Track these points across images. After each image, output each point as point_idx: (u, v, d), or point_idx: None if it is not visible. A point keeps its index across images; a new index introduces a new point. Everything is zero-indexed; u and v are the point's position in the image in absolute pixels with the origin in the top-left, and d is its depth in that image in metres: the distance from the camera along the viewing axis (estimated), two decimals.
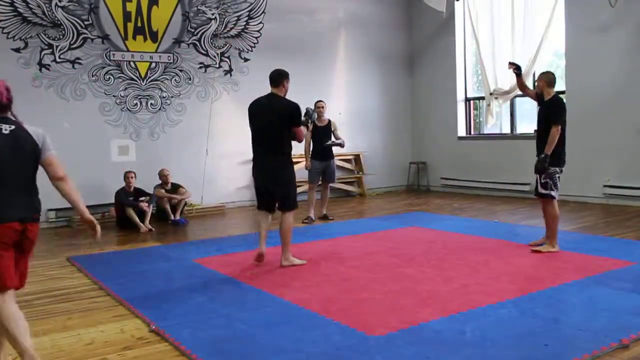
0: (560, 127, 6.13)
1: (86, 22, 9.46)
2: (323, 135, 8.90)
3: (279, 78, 6.00)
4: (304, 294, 5.03)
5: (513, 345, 3.73)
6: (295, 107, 5.97)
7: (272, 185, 6.07)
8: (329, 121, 9.05)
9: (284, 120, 5.90)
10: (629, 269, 5.50)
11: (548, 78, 6.35)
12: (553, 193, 6.25)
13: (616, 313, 4.25)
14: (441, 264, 5.94)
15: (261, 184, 6.17)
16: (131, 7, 9.81)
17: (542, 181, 6.26)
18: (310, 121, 6.87)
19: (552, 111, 6.23)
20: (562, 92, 10.40)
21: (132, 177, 8.92)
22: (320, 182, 9.13)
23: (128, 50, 9.84)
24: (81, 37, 9.43)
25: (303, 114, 6.39)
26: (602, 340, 3.72)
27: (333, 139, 8.98)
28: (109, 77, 9.69)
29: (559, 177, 6.26)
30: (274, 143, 5.97)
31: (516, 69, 6.64)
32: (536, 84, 6.48)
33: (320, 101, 8.92)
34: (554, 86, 6.38)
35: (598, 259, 5.90)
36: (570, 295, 4.76)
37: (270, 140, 5.98)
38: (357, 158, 12.41)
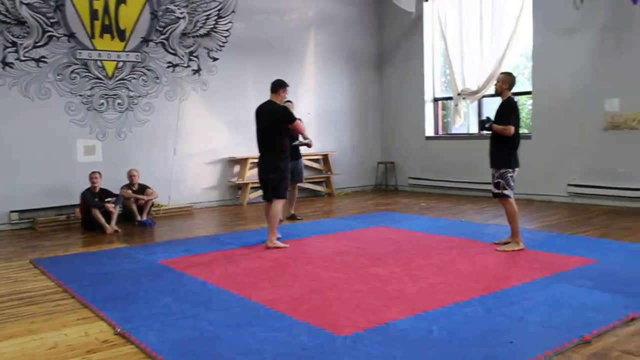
0: (512, 127, 6.24)
1: (52, 20, 9.31)
2: (290, 134, 8.87)
3: (276, 87, 7.16)
4: (272, 294, 5.02)
5: (479, 343, 3.77)
6: (283, 109, 7.07)
7: (267, 175, 7.06)
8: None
9: (276, 122, 6.97)
10: (591, 267, 5.60)
11: (511, 80, 6.44)
12: (506, 192, 6.36)
13: (579, 310, 4.32)
14: (409, 263, 5.98)
15: (261, 176, 7.22)
16: (98, 5, 9.68)
17: (495, 181, 6.41)
18: None
19: (504, 111, 6.37)
20: (529, 93, 10.57)
21: (96, 178, 8.79)
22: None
23: (95, 49, 9.71)
24: (46, 35, 9.28)
25: None
26: (565, 337, 3.77)
27: (300, 138, 8.96)
28: (75, 76, 9.55)
29: (512, 177, 6.37)
30: (269, 141, 7.04)
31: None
32: (497, 83, 6.53)
33: (288, 101, 8.90)
34: (512, 89, 6.48)
35: (562, 257, 5.99)
36: (534, 293, 4.82)
37: (266, 139, 7.06)
38: (325, 158, 12.42)
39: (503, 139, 6.33)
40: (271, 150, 7.02)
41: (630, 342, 3.71)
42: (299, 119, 7.35)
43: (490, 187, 6.60)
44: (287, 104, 8.78)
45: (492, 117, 6.52)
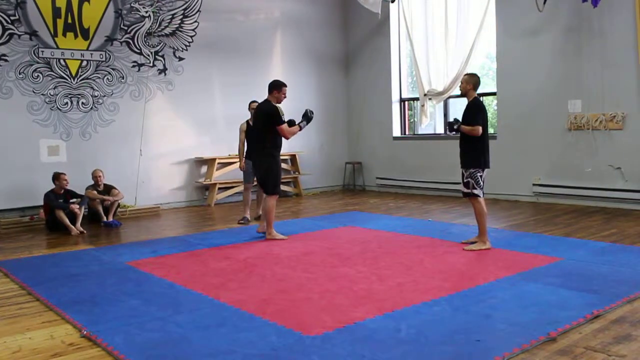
0: (480, 127, 6.32)
1: (12, 18, 9.13)
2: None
3: (270, 88, 7.39)
4: (240, 295, 4.99)
5: (447, 341, 3.80)
6: (272, 109, 7.23)
7: (255, 170, 7.78)
8: None
9: (264, 121, 7.27)
10: (557, 265, 5.69)
11: (475, 81, 6.51)
12: (476, 192, 6.44)
13: (545, 307, 4.39)
14: (377, 263, 6.00)
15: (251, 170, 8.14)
16: (61, 2, 9.52)
17: (465, 181, 6.49)
18: (305, 122, 7.64)
19: (471, 112, 6.44)
20: (494, 94, 10.71)
21: (66, 180, 8.62)
22: (255, 183, 9.08)
23: (58, 48, 9.55)
24: (7, 32, 9.10)
25: (302, 115, 7.61)
26: (532, 334, 3.83)
27: None
28: (38, 75, 9.38)
29: (481, 176, 6.45)
30: (259, 139, 7.46)
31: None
32: (462, 85, 6.60)
33: (254, 102, 8.89)
34: (477, 89, 6.55)
35: (528, 256, 6.08)
36: (501, 291, 4.88)
37: (256, 136, 7.57)
38: (293, 158, 12.41)
39: (472, 139, 6.40)
40: (260, 149, 7.42)
41: (594, 338, 3.78)
42: (292, 122, 7.51)
43: (460, 186, 6.68)
44: (252, 104, 8.85)
45: (460, 118, 6.58)
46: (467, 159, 6.48)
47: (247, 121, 8.87)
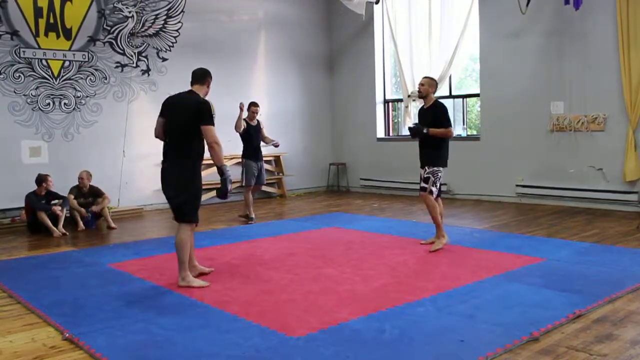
0: (451, 128, 6.54)
1: None
2: (257, 134, 9.10)
3: (205, 76, 5.84)
4: (224, 296, 4.97)
5: (430, 341, 3.82)
6: (203, 103, 5.48)
7: (169, 192, 5.88)
8: (258, 121, 9.15)
9: (190, 119, 5.47)
10: (539, 265, 5.73)
11: (437, 84, 6.80)
12: (434, 189, 6.56)
13: (527, 307, 4.41)
14: (361, 263, 6.01)
15: (164, 192, 5.98)
16: (42, 2, 9.43)
17: (425, 176, 6.59)
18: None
19: (441, 114, 6.54)
20: (477, 95, 10.76)
21: (51, 181, 8.54)
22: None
23: (40, 48, 9.46)
24: None
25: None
26: (515, 334, 3.85)
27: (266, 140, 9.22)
28: (19, 75, 9.28)
29: (441, 176, 6.60)
30: (178, 145, 5.72)
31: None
32: (421, 87, 6.67)
33: (257, 106, 9.02)
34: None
35: (511, 256, 6.11)
36: (484, 291, 4.91)
37: (175, 141, 5.74)
38: (277, 159, 12.40)
39: (438, 139, 6.53)
40: (181, 158, 5.57)
41: (576, 338, 3.81)
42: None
43: (420, 184, 6.72)
44: (253, 108, 9.02)
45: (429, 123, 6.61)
46: (431, 158, 6.60)
47: (245, 119, 8.89)
